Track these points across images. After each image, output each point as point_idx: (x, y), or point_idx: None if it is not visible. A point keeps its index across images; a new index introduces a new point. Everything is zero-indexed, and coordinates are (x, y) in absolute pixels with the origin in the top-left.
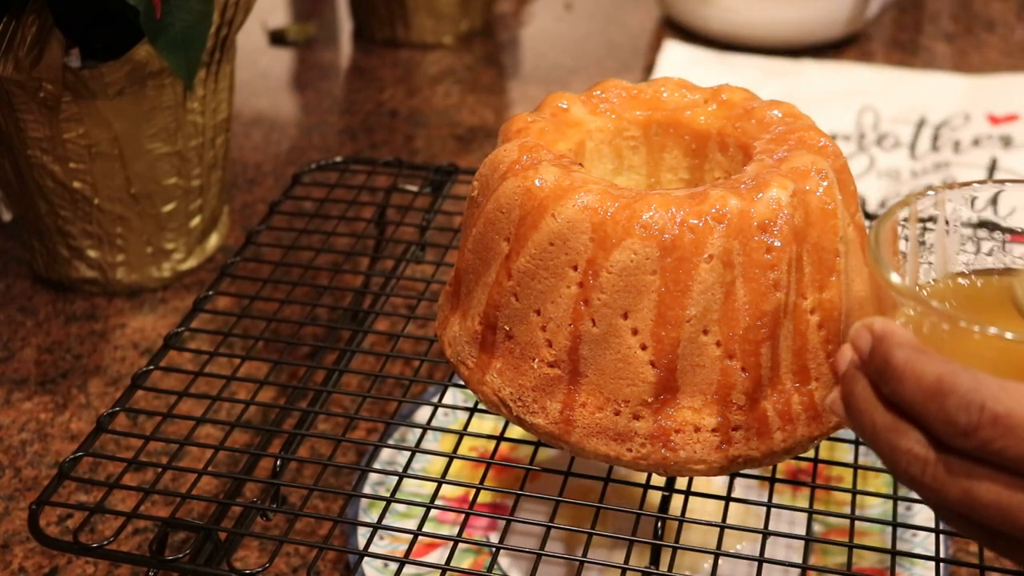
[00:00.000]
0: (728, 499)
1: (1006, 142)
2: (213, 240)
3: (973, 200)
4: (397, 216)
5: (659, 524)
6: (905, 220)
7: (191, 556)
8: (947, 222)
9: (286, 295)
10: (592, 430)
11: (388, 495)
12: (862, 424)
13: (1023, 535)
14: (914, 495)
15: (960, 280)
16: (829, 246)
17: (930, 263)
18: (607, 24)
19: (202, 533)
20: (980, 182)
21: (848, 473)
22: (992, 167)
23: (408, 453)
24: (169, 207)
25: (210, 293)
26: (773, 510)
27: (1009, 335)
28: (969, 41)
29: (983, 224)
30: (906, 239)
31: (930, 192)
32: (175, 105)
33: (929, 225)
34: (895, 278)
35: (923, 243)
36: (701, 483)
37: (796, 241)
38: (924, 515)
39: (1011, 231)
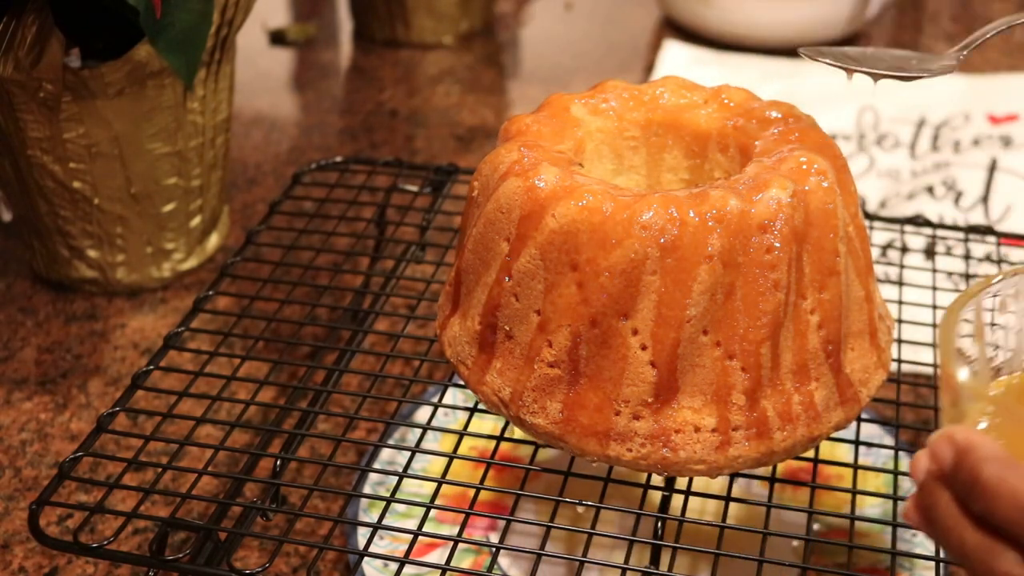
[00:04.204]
0: (728, 499)
1: (1006, 142)
2: (213, 240)
3: None
4: (397, 216)
5: (659, 524)
6: (973, 309)
7: (191, 556)
8: (1014, 310)
9: (286, 295)
10: (592, 430)
11: (388, 495)
12: (948, 541)
13: None
14: None
15: None
16: (829, 246)
17: (1003, 353)
18: (607, 24)
19: (202, 533)
20: None
21: (848, 473)
22: (992, 167)
23: (408, 453)
24: (169, 207)
25: (210, 293)
26: (773, 510)
27: None
28: None
29: (975, 228)
30: (972, 334)
31: (997, 280)
32: (175, 105)
33: (997, 315)
34: (964, 376)
35: (995, 332)
36: (701, 483)
37: (796, 241)
38: None
39: (1004, 235)
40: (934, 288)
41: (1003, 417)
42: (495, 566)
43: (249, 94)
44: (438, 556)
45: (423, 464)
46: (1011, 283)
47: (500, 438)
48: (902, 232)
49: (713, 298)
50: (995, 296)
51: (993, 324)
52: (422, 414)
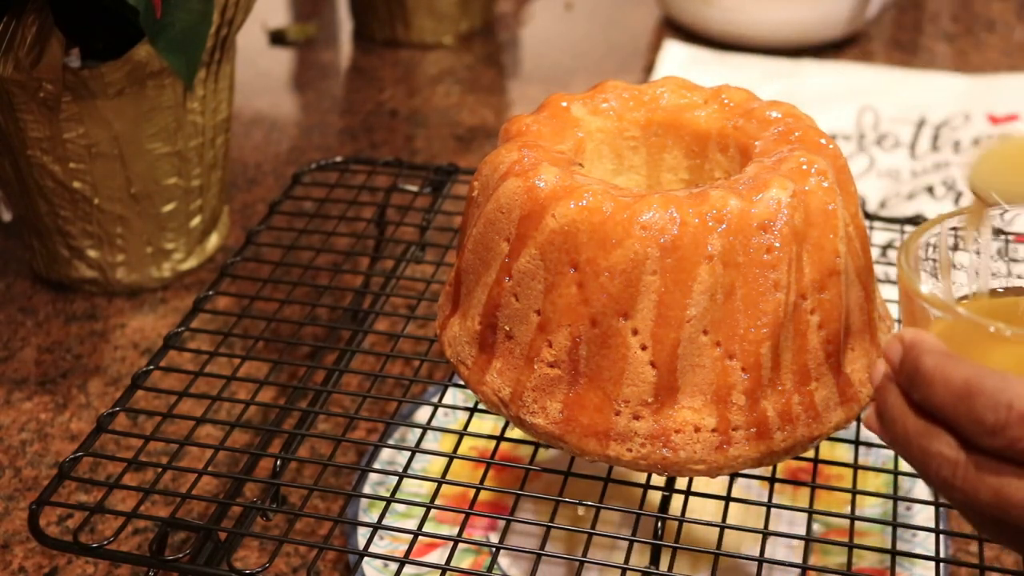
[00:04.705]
0: (728, 499)
1: None
2: (213, 240)
3: (1004, 217)
4: (397, 216)
5: (659, 524)
6: (936, 237)
7: (191, 556)
8: (977, 241)
9: (286, 295)
10: (592, 430)
11: (388, 495)
12: (895, 433)
13: None
14: (915, 495)
15: (991, 298)
16: (829, 246)
17: (960, 282)
18: (607, 24)
19: (202, 533)
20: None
21: (848, 473)
22: None
23: (408, 453)
24: (169, 207)
25: (210, 293)
26: (773, 510)
27: None
28: (969, 41)
29: None
30: (934, 259)
31: (962, 213)
32: (175, 105)
33: (960, 244)
34: (925, 288)
35: (953, 262)
36: (701, 483)
37: (796, 241)
38: (924, 515)
39: (1017, 233)
40: None
41: (953, 323)
42: (495, 566)
43: (249, 94)
44: (438, 556)
45: (423, 464)
46: (961, 220)
47: (500, 438)
48: (902, 232)
49: (713, 298)
50: (954, 233)
51: (952, 263)
52: (422, 414)
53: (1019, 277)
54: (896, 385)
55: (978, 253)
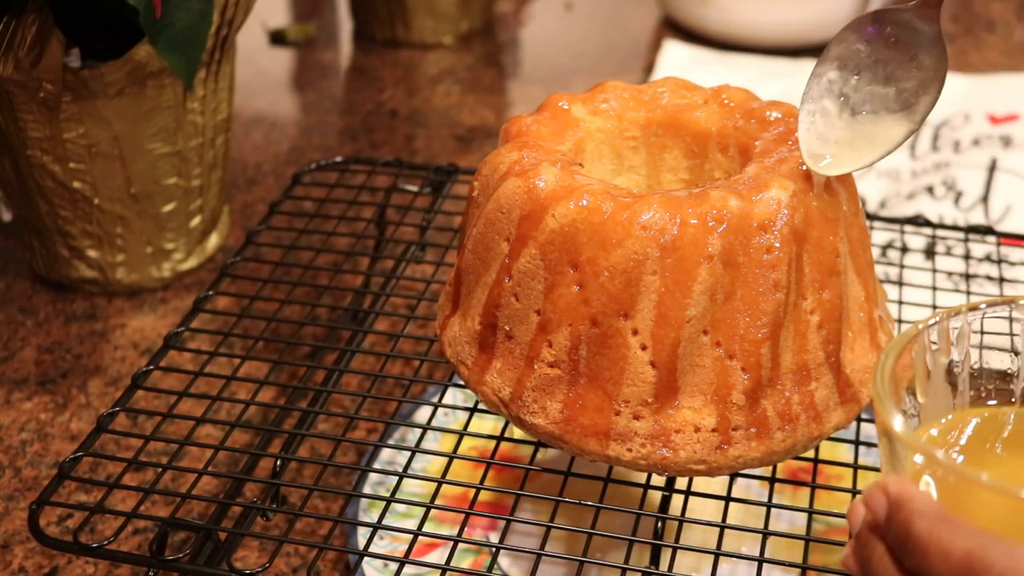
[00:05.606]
0: (728, 499)
1: (1006, 142)
2: (213, 240)
3: (983, 320)
4: (397, 216)
5: (659, 524)
6: (914, 353)
7: (191, 556)
8: (957, 348)
9: (286, 295)
10: (592, 430)
11: (388, 495)
12: None
13: None
14: None
15: (974, 409)
16: (829, 246)
17: (944, 394)
18: (607, 24)
19: (202, 533)
20: (989, 303)
21: (848, 473)
22: (992, 167)
23: (408, 453)
24: (169, 207)
25: (210, 293)
26: (773, 510)
27: None
28: (969, 41)
29: (975, 228)
30: (913, 373)
31: (934, 319)
32: (175, 105)
33: (939, 355)
34: (899, 425)
35: (935, 373)
36: (701, 483)
37: (796, 241)
38: None
39: (1004, 235)
40: (934, 288)
41: (934, 468)
42: (495, 566)
43: (249, 94)
44: (438, 556)
45: (423, 464)
46: (954, 323)
47: (500, 438)
48: (902, 232)
49: (713, 298)
50: (935, 339)
51: (928, 371)
52: (422, 414)
53: (1011, 376)
54: (880, 540)
55: (952, 365)
